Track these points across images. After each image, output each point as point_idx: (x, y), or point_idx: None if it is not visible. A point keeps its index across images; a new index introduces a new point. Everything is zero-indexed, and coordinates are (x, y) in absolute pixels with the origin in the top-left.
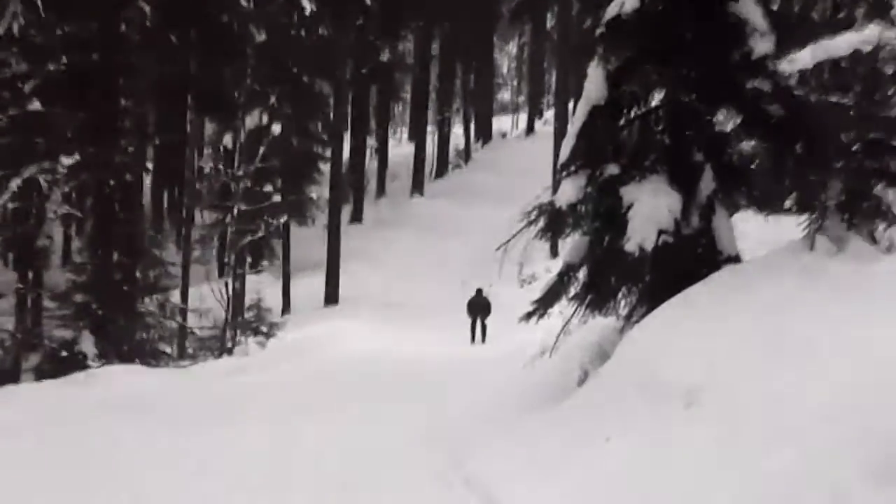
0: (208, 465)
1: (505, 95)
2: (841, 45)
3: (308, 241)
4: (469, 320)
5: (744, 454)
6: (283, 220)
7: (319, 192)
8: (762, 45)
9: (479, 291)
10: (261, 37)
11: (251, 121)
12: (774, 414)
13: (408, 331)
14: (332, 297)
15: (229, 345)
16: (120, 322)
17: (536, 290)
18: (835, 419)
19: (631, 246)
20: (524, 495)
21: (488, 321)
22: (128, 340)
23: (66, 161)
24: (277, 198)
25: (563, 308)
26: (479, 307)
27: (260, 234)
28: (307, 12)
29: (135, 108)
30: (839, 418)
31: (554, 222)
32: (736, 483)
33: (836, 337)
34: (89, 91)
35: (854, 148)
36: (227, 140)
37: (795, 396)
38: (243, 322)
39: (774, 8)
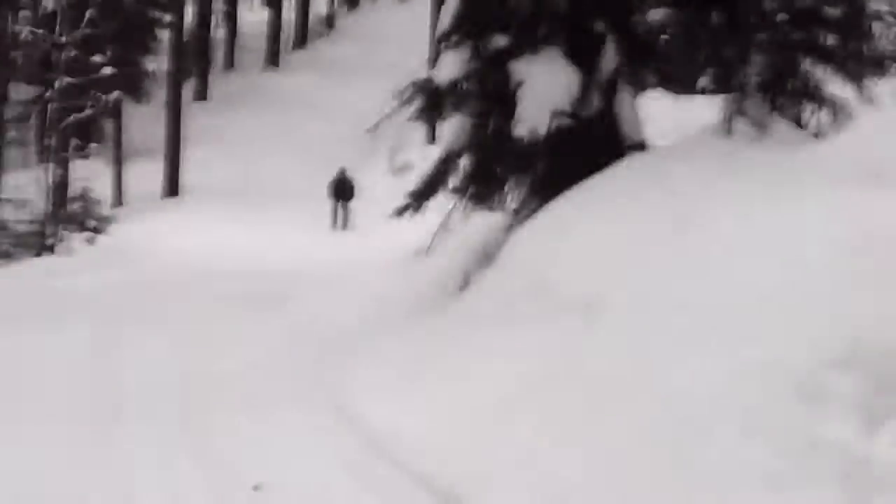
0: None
1: None
2: None
3: (145, 121)
4: (330, 202)
5: (651, 368)
6: (114, 95)
7: (158, 63)
8: None
9: (343, 171)
10: None
11: None
12: (687, 321)
13: (263, 226)
14: (172, 186)
15: (50, 242)
16: None
17: (412, 181)
18: (755, 326)
19: (521, 130)
20: (392, 416)
21: (352, 204)
22: None
23: None
24: (108, 70)
25: (442, 203)
26: (341, 188)
27: (87, 112)
28: None
29: None
30: (760, 325)
31: (432, 102)
32: (643, 403)
33: (758, 232)
34: None
35: (779, 18)
36: (48, 1)
37: (711, 300)
38: (67, 215)
39: None
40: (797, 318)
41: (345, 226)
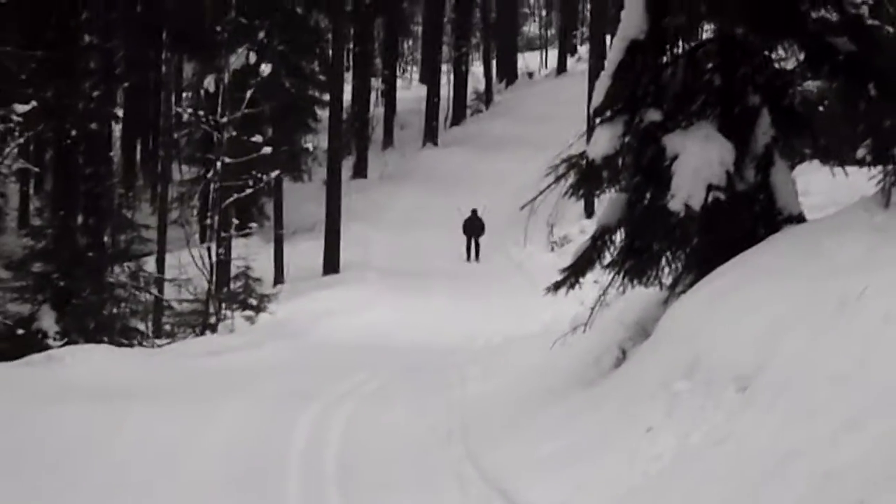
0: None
1: (532, 28)
2: None
3: (304, 199)
4: (465, 239)
5: (808, 446)
6: (274, 175)
7: (316, 142)
8: None
9: (475, 212)
10: None
11: (236, 60)
12: (843, 398)
13: (420, 302)
14: (331, 263)
15: (213, 320)
16: (85, 295)
17: (570, 255)
18: None
19: (676, 204)
20: (548, 493)
21: (482, 240)
22: (94, 316)
23: (21, 108)
24: (268, 149)
25: (598, 277)
26: (473, 227)
27: (248, 191)
28: None
29: (101, 44)
30: None
31: (586, 177)
32: (801, 480)
33: None
34: (46, 25)
35: None
36: (209, 82)
37: (868, 378)
38: (229, 294)
39: None
40: None
41: (477, 258)
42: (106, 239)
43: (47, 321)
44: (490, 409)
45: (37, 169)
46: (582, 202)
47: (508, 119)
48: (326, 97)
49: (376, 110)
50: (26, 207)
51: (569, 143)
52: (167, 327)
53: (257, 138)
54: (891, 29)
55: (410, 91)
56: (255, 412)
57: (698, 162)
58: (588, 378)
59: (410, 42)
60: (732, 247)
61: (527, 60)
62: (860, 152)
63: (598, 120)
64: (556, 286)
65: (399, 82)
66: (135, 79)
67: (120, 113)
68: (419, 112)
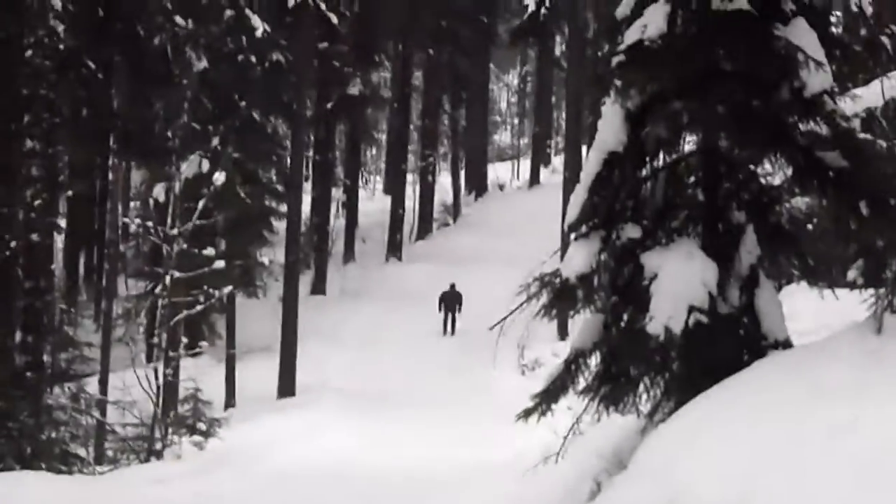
0: None
1: (503, 137)
2: None
3: (258, 316)
4: (441, 314)
5: None
6: (227, 290)
7: (273, 256)
8: (817, 79)
9: (453, 286)
10: (201, 64)
11: (188, 168)
12: None
13: (380, 427)
14: (287, 386)
15: (158, 446)
16: (22, 418)
17: (541, 379)
18: None
19: (655, 327)
20: None
21: (459, 314)
22: (31, 441)
23: None
24: (221, 263)
25: (571, 403)
26: (451, 300)
27: (198, 307)
28: (258, 34)
29: (43, 150)
30: None
31: (560, 297)
32: None
33: None
34: None
35: None
36: (159, 191)
37: None
38: (176, 418)
39: (834, 31)
40: None
41: (453, 332)
42: (45, 358)
43: None
44: None
45: None
46: (555, 322)
47: (477, 233)
48: (284, 208)
49: (337, 222)
50: None
51: (542, 260)
52: (110, 453)
53: (209, 251)
54: (884, 144)
55: (373, 202)
56: None
57: (679, 282)
58: None
59: (374, 150)
60: (715, 373)
61: (498, 171)
62: (851, 274)
63: (573, 236)
64: (527, 413)
65: (362, 193)
66: (79, 187)
67: (63, 223)
68: (382, 224)
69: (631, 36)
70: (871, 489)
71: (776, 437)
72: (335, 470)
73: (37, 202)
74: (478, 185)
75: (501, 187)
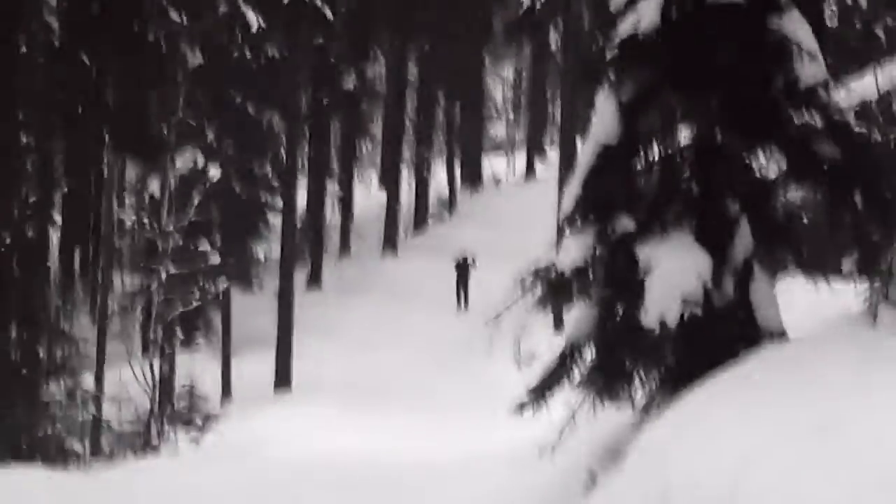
0: None
1: (499, 131)
2: None
3: (254, 311)
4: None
5: None
6: (222, 285)
7: (268, 250)
8: (812, 71)
9: (465, 258)
10: (195, 59)
11: (183, 163)
12: None
13: (377, 421)
14: (283, 380)
15: (155, 441)
16: (17, 413)
17: (537, 372)
18: None
19: (649, 319)
20: None
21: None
22: (27, 436)
23: None
24: (216, 258)
25: (567, 395)
26: (463, 271)
27: (194, 303)
28: (253, 29)
29: (38, 146)
30: None
31: (554, 290)
32: None
33: None
34: None
35: None
36: (153, 186)
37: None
38: (173, 413)
39: (829, 23)
40: None
41: (466, 306)
42: (40, 353)
43: None
44: None
45: None
46: (551, 315)
47: (473, 227)
48: (279, 203)
49: (332, 217)
50: None
51: (537, 254)
52: (106, 449)
53: (205, 246)
54: (878, 136)
55: (369, 196)
56: None
57: (674, 274)
58: None
59: (369, 145)
60: (710, 364)
61: (493, 165)
62: (846, 266)
63: (567, 229)
64: (523, 406)
65: (357, 187)
66: (74, 182)
67: (58, 218)
68: (378, 219)
69: (625, 29)
70: (863, 483)
71: (769, 430)
72: (331, 462)
73: (31, 198)
74: (473, 178)
75: (497, 181)
